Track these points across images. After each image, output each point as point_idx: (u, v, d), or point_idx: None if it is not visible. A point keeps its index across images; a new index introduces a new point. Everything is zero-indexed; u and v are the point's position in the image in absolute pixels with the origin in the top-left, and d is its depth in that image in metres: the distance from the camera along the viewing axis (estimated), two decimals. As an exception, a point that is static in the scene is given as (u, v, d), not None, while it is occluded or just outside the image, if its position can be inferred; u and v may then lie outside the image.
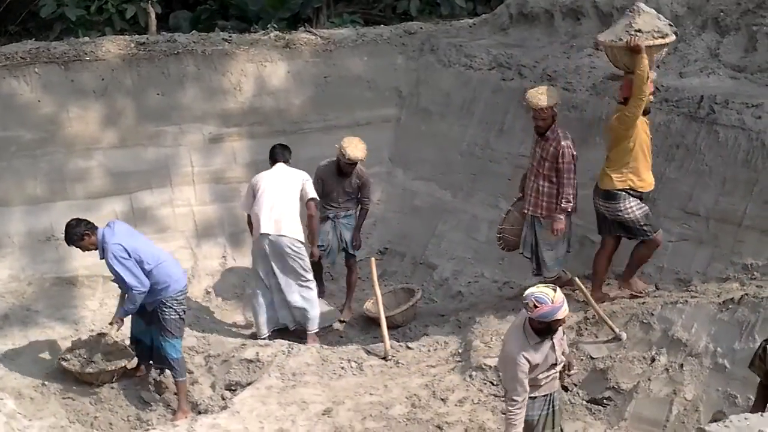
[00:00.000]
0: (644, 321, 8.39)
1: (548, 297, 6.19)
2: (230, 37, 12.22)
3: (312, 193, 9.85)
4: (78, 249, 8.75)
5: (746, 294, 8.11)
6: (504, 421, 6.80)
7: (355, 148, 10.06)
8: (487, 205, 11.26)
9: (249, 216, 9.87)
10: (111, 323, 8.84)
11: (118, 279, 8.52)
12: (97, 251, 8.59)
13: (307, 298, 9.83)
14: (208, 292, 10.69)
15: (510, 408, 6.50)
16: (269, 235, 9.58)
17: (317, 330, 9.92)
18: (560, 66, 11.30)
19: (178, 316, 8.73)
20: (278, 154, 10.02)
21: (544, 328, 6.39)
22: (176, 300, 8.68)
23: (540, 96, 9.22)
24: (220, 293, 10.71)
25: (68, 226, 8.59)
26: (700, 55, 10.64)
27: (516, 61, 11.81)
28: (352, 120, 12.09)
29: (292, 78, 12.07)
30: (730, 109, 9.48)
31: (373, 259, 9.99)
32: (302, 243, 9.75)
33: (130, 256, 8.42)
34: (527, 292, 6.34)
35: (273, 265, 9.69)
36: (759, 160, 9.09)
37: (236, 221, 11.33)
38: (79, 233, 8.50)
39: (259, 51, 12.03)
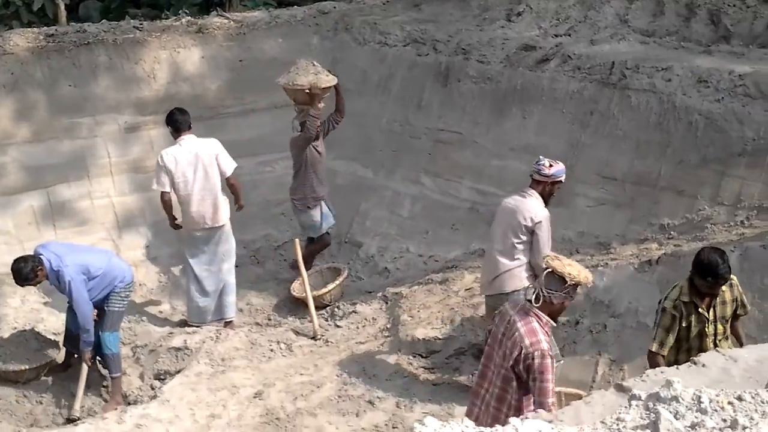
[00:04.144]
0: (567, 286, 8.49)
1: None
2: (141, 24, 12.05)
3: (230, 166, 9.50)
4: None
5: (664, 253, 8.28)
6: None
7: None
8: (409, 180, 11.32)
9: (163, 194, 9.44)
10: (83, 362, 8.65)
11: (72, 300, 8.38)
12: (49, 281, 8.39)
13: (231, 284, 9.81)
14: (133, 282, 10.51)
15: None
16: (204, 228, 9.50)
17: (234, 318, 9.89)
18: (474, 39, 11.39)
19: (122, 309, 8.70)
20: (182, 122, 9.42)
21: (549, 194, 7.45)
22: (126, 291, 8.67)
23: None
24: (145, 283, 10.56)
25: (17, 269, 8.20)
26: (610, 21, 10.84)
27: (430, 36, 11.87)
28: (270, 102, 11.98)
29: (207, 63, 11.95)
30: (641, 73, 9.67)
31: (297, 240, 9.94)
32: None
33: (83, 273, 8.28)
34: (537, 162, 7.45)
35: (207, 254, 9.62)
36: (671, 122, 9.30)
37: (157, 210, 11.09)
38: (32, 271, 8.19)
39: (172, 37, 11.87)
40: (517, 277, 7.53)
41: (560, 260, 5.57)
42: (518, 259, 7.53)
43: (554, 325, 5.65)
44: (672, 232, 8.86)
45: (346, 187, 11.71)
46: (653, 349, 6.35)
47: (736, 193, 8.72)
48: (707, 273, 6.11)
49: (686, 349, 6.32)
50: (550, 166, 7.41)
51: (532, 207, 7.42)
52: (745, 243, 7.75)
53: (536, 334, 5.51)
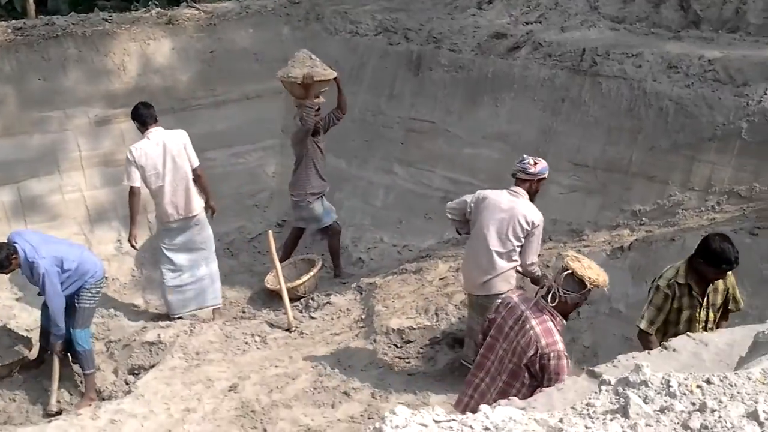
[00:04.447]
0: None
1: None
2: (110, 16, 11.96)
3: (196, 159, 9.48)
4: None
5: (636, 239, 8.33)
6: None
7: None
8: (382, 170, 11.31)
9: (133, 188, 9.26)
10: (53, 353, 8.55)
11: (44, 292, 8.29)
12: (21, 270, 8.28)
13: (215, 271, 9.82)
14: (104, 278, 10.45)
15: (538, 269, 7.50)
16: (179, 219, 9.45)
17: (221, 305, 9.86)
18: (445, 27, 11.40)
19: (93, 305, 8.61)
20: (148, 116, 9.30)
21: (536, 192, 7.40)
22: (97, 287, 8.58)
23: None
24: (117, 277, 10.52)
25: None
26: (580, 8, 10.86)
27: (401, 25, 11.86)
28: (242, 94, 11.97)
29: (177, 55, 11.87)
30: (612, 59, 9.70)
31: (270, 232, 9.90)
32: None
33: (57, 266, 8.20)
34: (521, 161, 7.37)
35: (185, 244, 9.59)
36: (642, 108, 9.33)
37: (129, 204, 11.15)
38: (7, 258, 8.05)
39: (142, 29, 11.79)
40: (512, 277, 7.51)
41: (580, 262, 5.48)
42: (514, 260, 7.46)
43: (565, 323, 5.63)
44: (644, 218, 8.91)
45: (319, 177, 11.70)
46: (642, 327, 6.36)
47: (706, 178, 8.76)
48: (722, 261, 6.09)
49: (674, 334, 6.32)
50: (535, 164, 7.36)
51: (530, 210, 7.33)
52: (717, 228, 7.79)
53: (552, 334, 5.48)
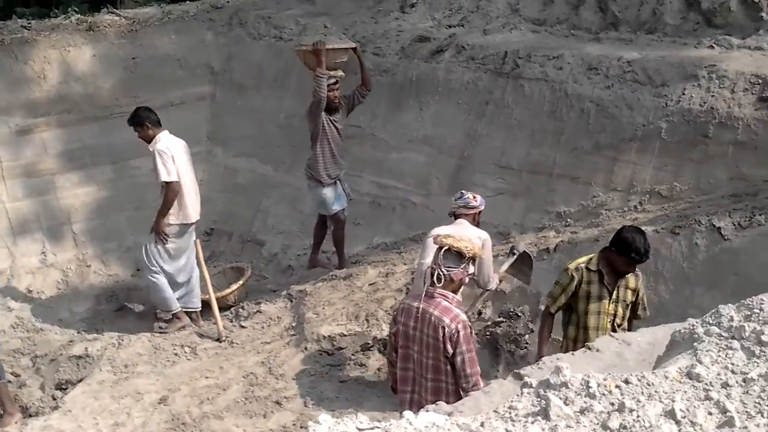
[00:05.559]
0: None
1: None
2: (29, 23, 11.80)
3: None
4: None
5: (562, 241, 8.42)
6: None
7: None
8: (310, 176, 11.26)
9: (176, 184, 9.07)
10: None
11: None
12: None
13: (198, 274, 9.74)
14: (29, 291, 10.30)
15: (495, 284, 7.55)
16: (192, 222, 9.39)
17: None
18: (369, 31, 11.43)
19: None
20: (157, 119, 9.23)
21: (477, 224, 7.43)
22: None
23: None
24: (43, 290, 10.34)
25: None
26: (502, 11, 10.95)
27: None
28: (166, 100, 11.82)
29: (99, 61, 11.72)
30: (533, 62, 9.81)
31: (198, 240, 9.80)
32: None
33: None
34: (460, 197, 7.39)
35: (189, 246, 9.51)
36: (564, 109, 9.46)
37: (53, 215, 10.96)
38: None
39: (62, 36, 11.63)
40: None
41: (452, 237, 5.64)
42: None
43: (459, 299, 5.70)
44: (568, 220, 9.03)
45: (246, 185, 11.64)
46: (545, 305, 6.53)
47: (628, 179, 8.91)
48: (631, 250, 6.21)
49: (584, 325, 6.43)
50: (474, 197, 7.44)
51: (475, 230, 7.31)
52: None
53: (451, 309, 5.54)
